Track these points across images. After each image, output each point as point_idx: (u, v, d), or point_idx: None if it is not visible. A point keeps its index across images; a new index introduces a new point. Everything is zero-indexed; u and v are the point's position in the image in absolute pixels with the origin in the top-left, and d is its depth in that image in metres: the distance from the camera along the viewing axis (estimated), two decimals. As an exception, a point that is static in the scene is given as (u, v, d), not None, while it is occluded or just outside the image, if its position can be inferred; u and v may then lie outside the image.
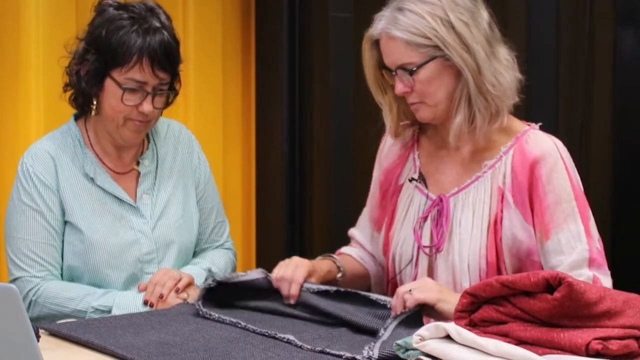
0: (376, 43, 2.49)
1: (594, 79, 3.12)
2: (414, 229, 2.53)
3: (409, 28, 2.40)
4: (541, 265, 2.45)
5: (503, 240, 2.45)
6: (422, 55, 2.41)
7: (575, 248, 2.40)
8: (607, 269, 2.44)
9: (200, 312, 2.45)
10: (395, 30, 2.41)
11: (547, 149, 2.45)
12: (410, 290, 2.29)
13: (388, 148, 2.67)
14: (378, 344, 2.13)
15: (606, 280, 2.41)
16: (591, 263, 2.40)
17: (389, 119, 2.58)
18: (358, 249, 2.75)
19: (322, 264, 2.61)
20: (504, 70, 2.43)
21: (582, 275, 2.38)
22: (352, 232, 2.77)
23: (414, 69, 2.41)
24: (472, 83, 2.41)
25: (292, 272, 2.47)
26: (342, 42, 3.74)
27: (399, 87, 2.45)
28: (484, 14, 2.45)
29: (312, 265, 2.54)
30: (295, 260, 2.53)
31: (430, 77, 2.42)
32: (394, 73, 2.46)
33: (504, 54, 2.46)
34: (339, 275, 2.63)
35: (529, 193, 2.44)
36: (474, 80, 2.40)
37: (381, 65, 2.50)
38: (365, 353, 2.08)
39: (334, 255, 2.69)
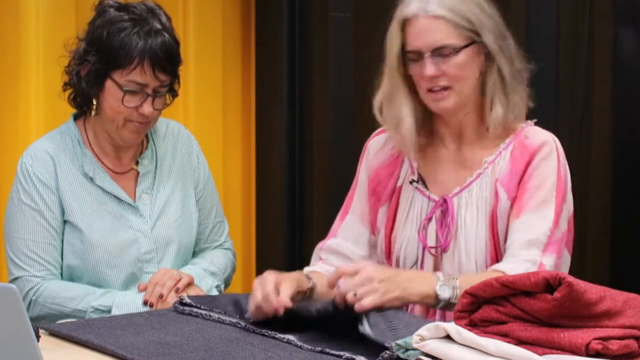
0: (401, 27, 2.43)
1: (594, 79, 3.12)
2: (418, 231, 2.53)
3: (454, 8, 2.37)
4: None
5: (499, 234, 2.46)
6: (463, 37, 2.40)
7: (537, 230, 2.40)
8: (555, 254, 2.41)
9: (199, 316, 2.45)
10: (440, 9, 2.37)
11: (546, 139, 2.48)
12: (355, 294, 2.21)
13: (378, 149, 2.63)
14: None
15: (549, 262, 2.39)
16: (546, 247, 2.40)
17: (404, 109, 2.48)
18: (324, 265, 2.62)
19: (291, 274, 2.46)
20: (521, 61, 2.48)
21: (530, 255, 2.38)
22: (334, 242, 2.63)
23: (456, 50, 2.39)
24: (507, 71, 2.43)
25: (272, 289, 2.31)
26: (342, 42, 3.74)
27: (431, 70, 2.39)
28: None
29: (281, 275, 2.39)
30: (269, 276, 2.34)
31: (466, 62, 2.41)
32: (427, 55, 2.39)
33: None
34: (310, 283, 2.47)
35: (520, 178, 2.45)
36: (509, 68, 2.43)
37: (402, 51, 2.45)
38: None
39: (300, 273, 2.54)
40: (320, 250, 2.66)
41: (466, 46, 2.40)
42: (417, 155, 2.58)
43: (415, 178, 2.56)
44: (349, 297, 2.21)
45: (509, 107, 2.45)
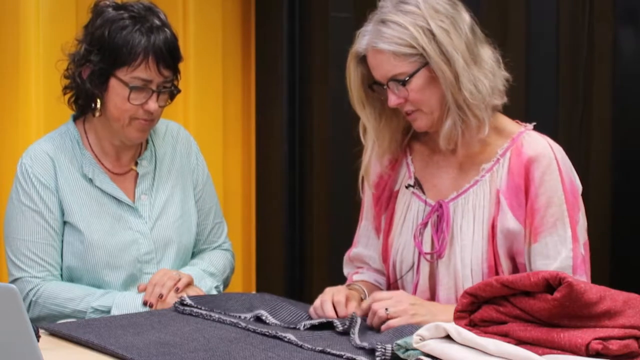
0: (362, 60, 2.48)
1: (594, 79, 3.12)
2: (414, 236, 2.52)
3: (395, 39, 2.40)
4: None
5: (498, 244, 2.44)
6: (411, 64, 2.41)
7: (560, 253, 2.41)
8: (584, 274, 2.43)
9: (200, 316, 2.45)
10: (382, 43, 2.40)
11: (541, 150, 2.44)
12: (386, 309, 2.30)
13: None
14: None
15: None
16: (574, 272, 2.41)
17: (372, 136, 2.54)
18: (368, 272, 2.68)
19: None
20: (483, 77, 2.41)
21: None
22: (357, 252, 2.69)
23: (406, 79, 2.41)
24: (449, 95, 2.40)
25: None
26: (342, 42, 3.72)
27: (393, 100, 2.44)
28: (466, 17, 2.44)
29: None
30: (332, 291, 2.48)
31: (423, 86, 2.42)
32: (385, 86, 2.45)
33: (488, 56, 2.45)
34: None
35: (525, 194, 2.44)
36: (451, 92, 2.40)
37: (369, 82, 2.50)
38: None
39: (356, 285, 2.61)
40: (351, 261, 2.71)
41: (416, 72, 2.41)
42: (415, 159, 2.58)
43: (412, 182, 2.56)
44: (381, 312, 2.30)
45: (456, 122, 2.42)
